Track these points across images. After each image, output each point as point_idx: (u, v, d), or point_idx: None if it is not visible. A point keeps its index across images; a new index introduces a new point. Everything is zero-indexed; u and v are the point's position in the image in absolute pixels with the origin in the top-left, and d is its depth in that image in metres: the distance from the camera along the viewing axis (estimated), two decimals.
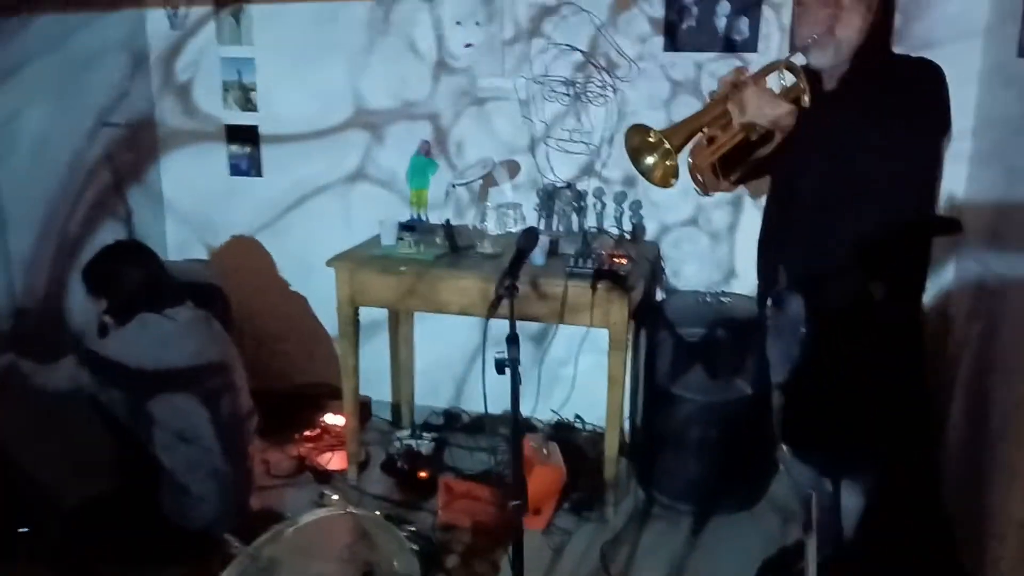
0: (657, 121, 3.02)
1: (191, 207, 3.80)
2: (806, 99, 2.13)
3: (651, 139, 2.10)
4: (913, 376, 2.38)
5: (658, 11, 3.08)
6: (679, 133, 2.09)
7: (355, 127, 3.51)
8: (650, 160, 2.12)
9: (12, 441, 2.70)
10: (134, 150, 3.62)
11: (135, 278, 2.47)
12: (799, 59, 2.19)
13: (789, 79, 2.18)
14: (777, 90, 2.17)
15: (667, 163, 2.11)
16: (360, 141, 3.51)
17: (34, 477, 2.73)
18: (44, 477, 2.74)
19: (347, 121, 3.51)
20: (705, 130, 2.14)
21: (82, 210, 3.37)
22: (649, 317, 3.11)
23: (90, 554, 2.43)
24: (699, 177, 2.23)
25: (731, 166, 2.28)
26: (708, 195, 2.32)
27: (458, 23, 3.28)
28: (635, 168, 2.16)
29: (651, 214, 3.26)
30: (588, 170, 3.29)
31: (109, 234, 3.42)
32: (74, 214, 3.35)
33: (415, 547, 2.17)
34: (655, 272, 3.26)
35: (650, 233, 3.28)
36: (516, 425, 1.68)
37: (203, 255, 3.83)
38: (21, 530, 2.60)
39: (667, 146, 2.07)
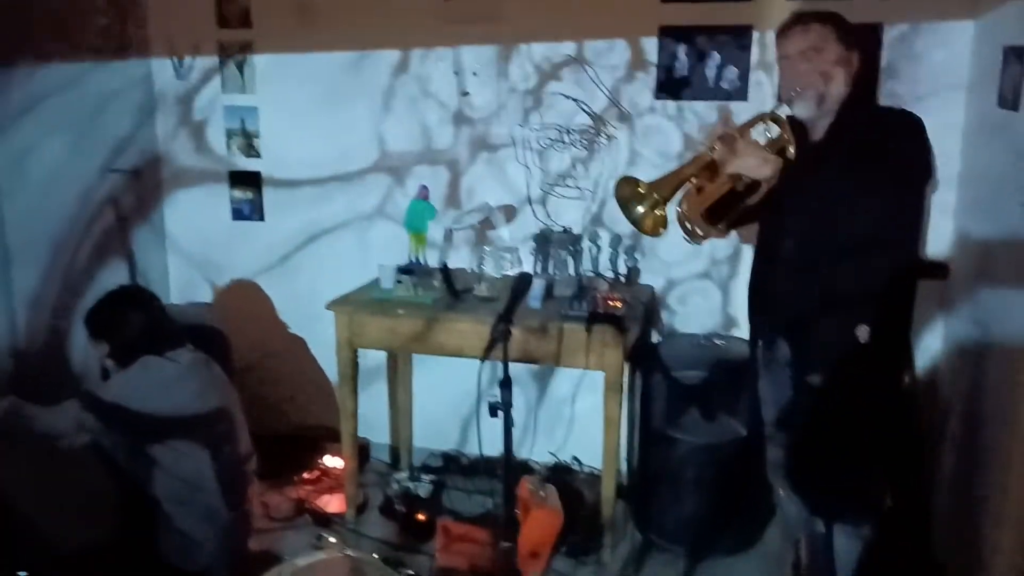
0: (649, 167, 3.12)
1: (194, 250, 3.87)
2: (791, 150, 2.19)
3: (640, 190, 2.16)
4: (902, 419, 2.41)
5: (651, 60, 3.16)
6: (667, 184, 2.15)
7: (357, 173, 3.58)
8: (640, 210, 2.18)
9: (12, 484, 2.71)
10: (138, 194, 3.69)
11: (137, 322, 2.51)
12: (784, 111, 2.26)
13: (775, 131, 2.25)
14: (763, 141, 2.24)
15: (656, 213, 2.16)
16: (361, 187, 3.58)
17: (34, 520, 2.73)
18: (44, 520, 2.75)
19: (348, 167, 3.58)
20: (693, 180, 2.20)
21: (86, 249, 3.43)
22: (645, 359, 3.14)
23: None
24: (688, 225, 2.29)
25: (720, 214, 2.33)
26: (697, 243, 2.37)
27: (456, 72, 3.36)
28: (626, 218, 2.22)
29: (647, 258, 3.31)
30: (583, 215, 3.35)
31: (112, 272, 3.49)
32: (78, 252, 3.40)
33: None
34: (651, 315, 3.30)
35: (645, 276, 3.33)
36: (508, 467, 1.71)
37: (205, 295, 3.88)
38: (19, 573, 2.60)
39: (656, 197, 2.13)
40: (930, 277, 2.80)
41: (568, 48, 3.24)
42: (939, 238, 2.91)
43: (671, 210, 2.22)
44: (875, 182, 2.07)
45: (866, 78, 2.37)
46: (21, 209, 3.11)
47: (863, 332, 2.19)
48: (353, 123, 3.53)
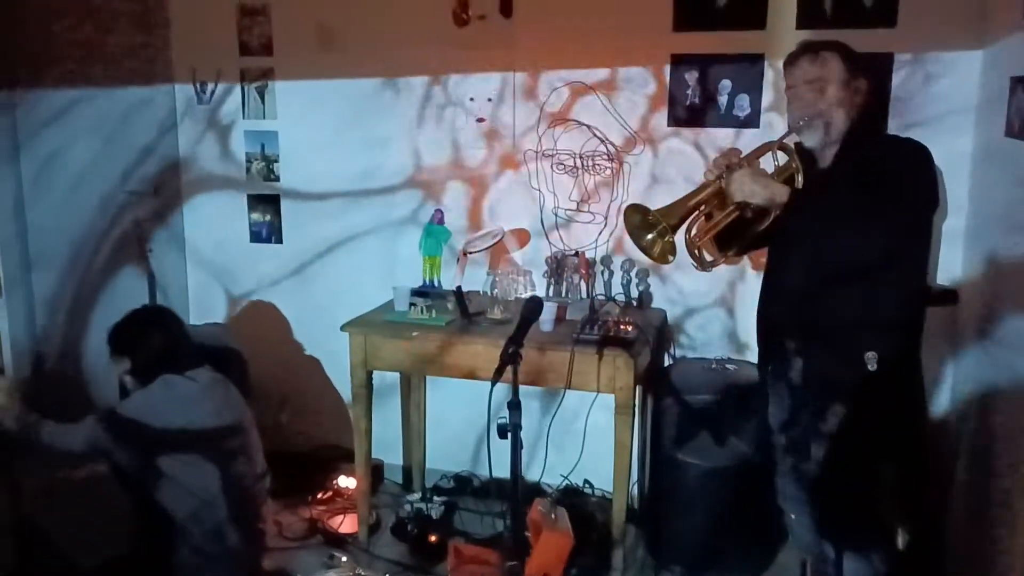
0: (660, 194, 3.15)
1: (212, 273, 3.94)
2: (799, 179, 2.22)
3: (649, 218, 2.19)
4: (913, 447, 2.41)
5: (663, 89, 3.21)
6: (675, 212, 2.17)
7: (375, 196, 3.65)
8: (649, 237, 2.21)
9: (32, 501, 2.76)
10: (158, 211, 3.77)
11: (159, 341, 2.57)
12: (793, 139, 2.30)
13: (783, 159, 2.28)
14: (771, 169, 2.27)
15: (665, 240, 2.19)
16: (378, 210, 3.65)
17: (52, 537, 2.78)
18: (62, 537, 2.80)
19: (366, 191, 3.65)
20: (701, 208, 2.23)
21: (104, 256, 3.51)
22: (656, 383, 3.16)
23: None
24: (696, 252, 2.31)
25: (729, 241, 2.36)
26: (706, 270, 2.39)
27: (471, 99, 3.43)
28: (635, 245, 2.25)
29: (660, 283, 3.35)
30: (596, 239, 3.39)
31: (129, 280, 3.56)
32: (96, 259, 3.48)
33: None
34: (662, 339, 3.33)
35: (658, 301, 3.36)
36: (516, 488, 1.74)
37: (223, 311, 3.96)
38: None
39: (664, 224, 2.16)
40: (939, 304, 2.81)
41: (582, 75, 3.29)
42: (949, 265, 2.93)
43: (680, 237, 2.25)
44: (882, 210, 2.09)
45: (874, 107, 2.40)
46: (48, 209, 3.20)
47: (871, 359, 2.20)
48: (370, 148, 3.60)
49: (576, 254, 3.38)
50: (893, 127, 2.92)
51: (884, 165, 2.17)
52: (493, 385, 1.87)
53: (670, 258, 2.21)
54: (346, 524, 3.34)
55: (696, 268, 2.36)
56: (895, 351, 2.23)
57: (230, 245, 3.89)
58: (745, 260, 3.14)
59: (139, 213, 3.61)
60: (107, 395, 3.31)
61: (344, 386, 3.50)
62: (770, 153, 2.28)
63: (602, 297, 3.31)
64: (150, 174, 3.70)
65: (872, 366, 2.19)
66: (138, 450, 2.45)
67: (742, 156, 2.19)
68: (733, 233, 2.31)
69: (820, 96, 2.23)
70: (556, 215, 3.43)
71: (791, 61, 2.31)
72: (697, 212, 2.23)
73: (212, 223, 3.90)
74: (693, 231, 2.29)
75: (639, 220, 2.21)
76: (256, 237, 3.85)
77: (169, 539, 2.51)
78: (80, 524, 2.87)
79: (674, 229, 2.17)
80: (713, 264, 2.38)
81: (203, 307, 3.98)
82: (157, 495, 2.50)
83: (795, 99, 2.28)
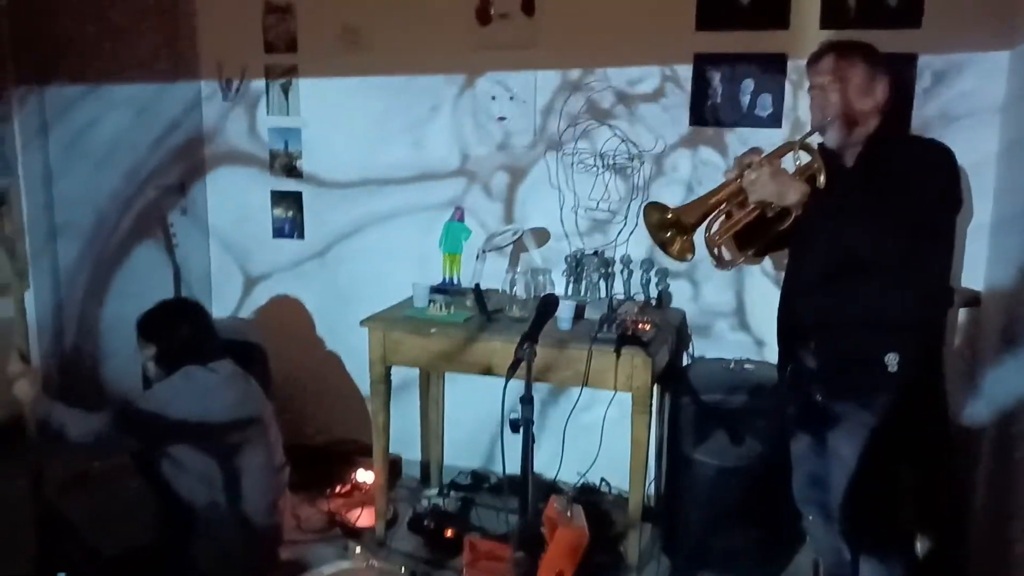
0: (680, 193, 3.15)
1: (235, 265, 3.99)
2: (821, 179, 2.21)
3: (668, 216, 2.18)
4: (935, 451, 2.39)
5: (684, 86, 3.20)
6: (694, 211, 2.17)
7: (396, 192, 3.67)
8: (668, 235, 2.20)
9: (55, 491, 2.81)
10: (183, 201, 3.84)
11: (185, 331, 2.62)
12: (816, 138, 2.28)
13: (804, 158, 2.27)
14: (792, 168, 2.26)
15: (684, 238, 2.18)
16: (399, 206, 3.67)
17: (76, 525, 2.83)
18: (85, 527, 2.84)
19: (387, 188, 3.68)
20: (721, 206, 2.22)
21: (126, 228, 3.58)
22: (674, 382, 3.16)
23: None
24: (716, 251, 2.30)
25: (749, 240, 2.35)
26: (725, 269, 2.38)
27: (493, 97, 3.44)
28: (654, 242, 2.25)
29: (679, 282, 3.34)
30: (615, 238, 3.39)
31: (151, 255, 3.62)
32: (117, 232, 3.54)
33: None
34: (681, 338, 3.32)
35: (677, 300, 3.36)
36: (527, 481, 1.75)
37: (247, 300, 4.01)
38: (59, 575, 2.68)
39: (683, 223, 2.15)
40: (962, 306, 2.78)
41: (604, 74, 3.30)
42: (973, 267, 2.89)
43: (699, 236, 2.24)
44: (904, 211, 2.08)
45: (898, 107, 2.38)
46: (78, 178, 3.28)
47: (892, 360, 2.19)
48: (391, 147, 3.63)
49: (596, 253, 3.38)
50: (916, 127, 2.89)
51: (906, 166, 2.16)
52: (507, 381, 1.88)
53: (689, 256, 2.21)
54: (364, 518, 3.37)
55: (715, 267, 2.35)
56: (916, 353, 2.21)
57: (253, 239, 3.94)
58: (766, 260, 3.13)
59: (165, 206, 3.67)
60: (122, 367, 3.37)
61: (364, 381, 3.52)
62: (792, 153, 2.27)
63: (621, 296, 3.31)
64: (175, 160, 3.75)
65: (893, 367, 2.17)
66: (156, 441, 2.49)
67: (763, 155, 2.19)
68: (754, 232, 2.31)
69: (843, 96, 2.22)
70: (576, 214, 3.43)
71: (814, 61, 2.30)
72: (717, 211, 2.23)
73: (236, 215, 3.96)
74: (713, 229, 2.28)
75: (658, 218, 2.21)
76: (279, 232, 3.89)
77: (189, 530, 2.55)
78: (102, 514, 2.92)
79: (693, 227, 2.17)
80: (732, 263, 2.37)
81: (225, 299, 4.02)
82: (176, 486, 2.54)
83: (818, 99, 2.28)
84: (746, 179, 2.15)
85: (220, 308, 4.01)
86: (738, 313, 3.30)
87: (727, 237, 2.27)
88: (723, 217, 2.27)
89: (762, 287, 3.24)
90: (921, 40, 2.88)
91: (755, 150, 2.24)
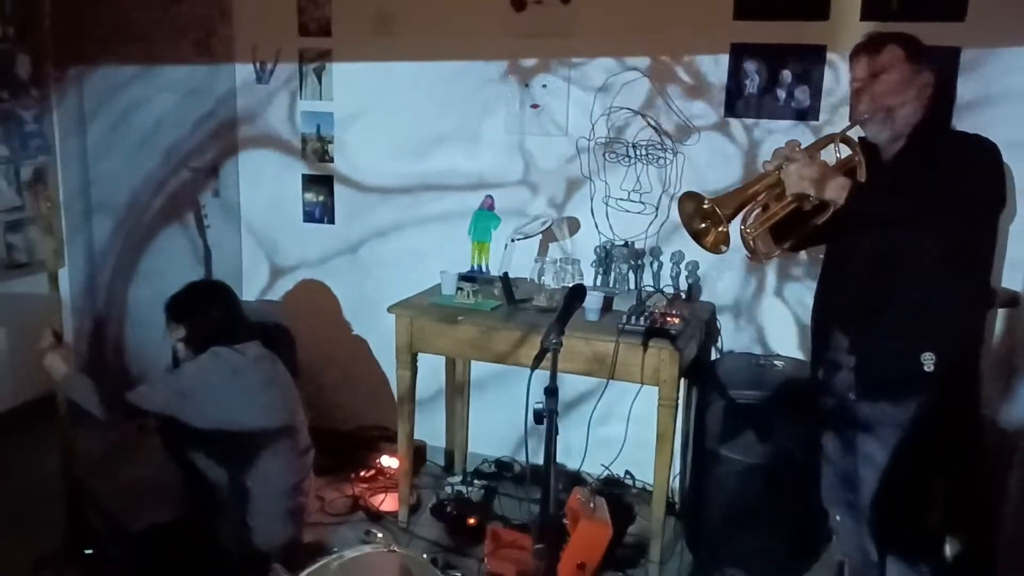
0: (714, 185, 3.11)
1: (264, 249, 4.01)
2: (861, 172, 2.16)
3: (704, 206, 2.15)
4: (967, 453, 2.34)
5: (721, 77, 3.16)
6: (731, 202, 2.13)
7: (427, 181, 3.67)
8: (702, 225, 2.17)
9: (84, 466, 2.85)
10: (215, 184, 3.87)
11: (215, 313, 2.65)
12: (857, 132, 2.23)
13: (845, 151, 2.22)
14: (832, 161, 2.21)
15: (719, 229, 2.15)
16: (430, 193, 3.67)
17: (102, 502, 2.87)
18: (113, 502, 2.89)
19: (419, 175, 3.67)
20: (759, 198, 2.19)
21: (159, 209, 3.61)
22: (701, 377, 3.13)
23: None
24: (751, 244, 2.27)
25: (786, 233, 2.31)
26: (760, 262, 2.35)
27: (526, 85, 3.42)
28: (688, 233, 2.22)
29: (709, 275, 3.30)
30: (646, 230, 3.36)
31: (182, 236, 3.63)
32: (150, 213, 3.58)
33: None
34: (710, 332, 3.29)
35: (707, 293, 3.32)
36: (548, 473, 1.74)
37: (276, 283, 4.03)
38: (87, 552, 2.73)
39: (719, 213, 2.12)
40: (1001, 306, 2.72)
41: (639, 63, 3.26)
42: (1015, 265, 2.82)
43: (734, 227, 2.21)
44: (946, 209, 2.03)
45: (941, 101, 2.32)
46: (119, 157, 3.31)
47: (928, 360, 2.14)
48: (423, 132, 3.62)
49: (625, 244, 3.35)
50: (958, 122, 2.82)
51: (950, 162, 2.10)
52: (532, 371, 1.87)
53: (723, 248, 2.17)
54: (387, 503, 3.38)
55: (750, 259, 2.32)
56: (953, 353, 2.16)
57: (283, 223, 3.95)
58: (801, 254, 3.08)
59: (198, 189, 3.70)
60: (152, 345, 3.41)
61: (390, 367, 3.53)
62: (832, 145, 2.22)
63: (650, 288, 3.28)
64: (208, 142, 3.78)
65: (929, 367, 2.13)
66: (183, 421, 2.51)
67: (803, 148, 2.14)
68: (791, 226, 2.26)
69: (886, 90, 2.16)
70: (607, 204, 3.40)
71: (856, 53, 2.24)
72: (754, 203, 2.19)
73: (267, 199, 3.97)
74: (749, 221, 2.24)
75: (693, 208, 2.17)
76: (309, 217, 3.90)
77: (213, 508, 2.57)
78: (129, 491, 2.96)
79: (728, 218, 2.13)
80: (768, 256, 2.34)
81: (254, 281, 4.05)
82: (201, 465, 2.56)
83: (860, 92, 2.22)
84: (785, 171, 2.11)
85: (249, 291, 4.04)
86: (769, 308, 3.26)
87: (763, 230, 2.23)
88: (759, 209, 2.23)
89: (795, 283, 3.19)
90: (965, 33, 2.81)
91: (794, 142, 2.20)
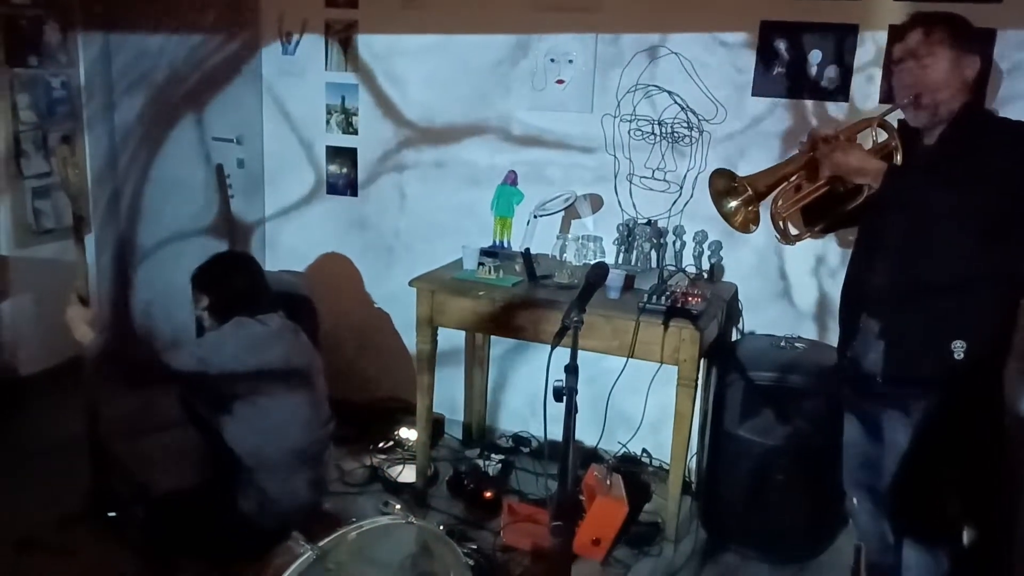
0: (740, 164, 3.08)
1: (287, 224, 4.04)
2: (898, 157, 2.13)
3: (735, 184, 2.13)
4: (989, 442, 2.33)
5: (749, 56, 3.12)
6: (763, 180, 2.11)
7: (451, 152, 3.66)
8: (732, 204, 2.15)
9: (109, 430, 2.90)
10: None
11: (239, 283, 2.67)
12: (896, 115, 2.19)
13: (882, 136, 2.19)
14: (869, 144, 2.18)
15: (749, 208, 2.13)
16: (454, 167, 3.66)
17: (127, 465, 2.92)
18: (137, 466, 2.94)
19: (442, 148, 3.67)
20: (791, 179, 2.16)
21: (185, 179, 3.63)
22: (721, 357, 3.12)
23: (171, 542, 2.59)
24: (781, 224, 2.24)
25: (817, 216, 2.29)
26: (789, 243, 2.31)
27: (552, 60, 3.39)
28: (717, 211, 2.20)
29: (732, 255, 3.28)
30: (670, 208, 3.34)
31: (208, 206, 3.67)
32: (175, 182, 3.61)
33: (471, 563, 2.23)
34: (731, 313, 3.27)
35: (729, 274, 3.30)
36: (567, 451, 1.74)
37: (298, 255, 4.07)
38: (110, 514, 2.78)
39: (750, 192, 2.10)
40: None
41: (666, 40, 3.22)
42: None
43: (765, 207, 2.18)
44: (985, 197, 2.00)
45: (980, 86, 2.27)
46: (133, 136, 3.40)
47: (959, 348, 2.12)
48: (450, 105, 3.61)
49: (648, 223, 3.33)
50: (994, 106, 2.77)
51: (991, 148, 2.06)
52: (553, 348, 1.86)
53: (752, 228, 2.16)
54: (405, 474, 3.41)
55: (779, 240, 2.29)
56: (984, 342, 2.14)
57: (307, 194, 3.97)
58: (830, 236, 3.05)
59: (223, 159, 3.71)
60: (177, 312, 3.46)
61: (411, 340, 3.55)
62: (870, 129, 2.19)
63: (672, 267, 3.27)
64: (234, 112, 3.79)
65: (959, 355, 2.11)
66: (206, 388, 2.54)
67: (840, 130, 2.11)
68: (823, 208, 2.24)
69: (928, 72, 2.10)
70: (631, 182, 3.38)
71: (900, 33, 2.19)
72: (786, 183, 2.16)
73: (290, 170, 3.99)
74: (779, 202, 2.21)
75: (724, 185, 2.15)
76: (332, 188, 3.91)
77: (234, 475, 2.60)
78: (152, 456, 3.01)
79: (760, 197, 2.11)
80: (798, 238, 2.31)
81: (277, 252, 4.08)
82: (222, 431, 2.59)
83: (902, 73, 2.16)
84: (820, 152, 2.08)
85: (272, 261, 4.06)
86: (793, 290, 3.24)
87: (795, 211, 2.20)
88: (791, 190, 2.20)
89: (821, 264, 3.17)
90: (1003, 15, 2.75)
91: (832, 124, 2.16)
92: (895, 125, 2.21)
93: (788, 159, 2.18)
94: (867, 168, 2.06)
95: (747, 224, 2.16)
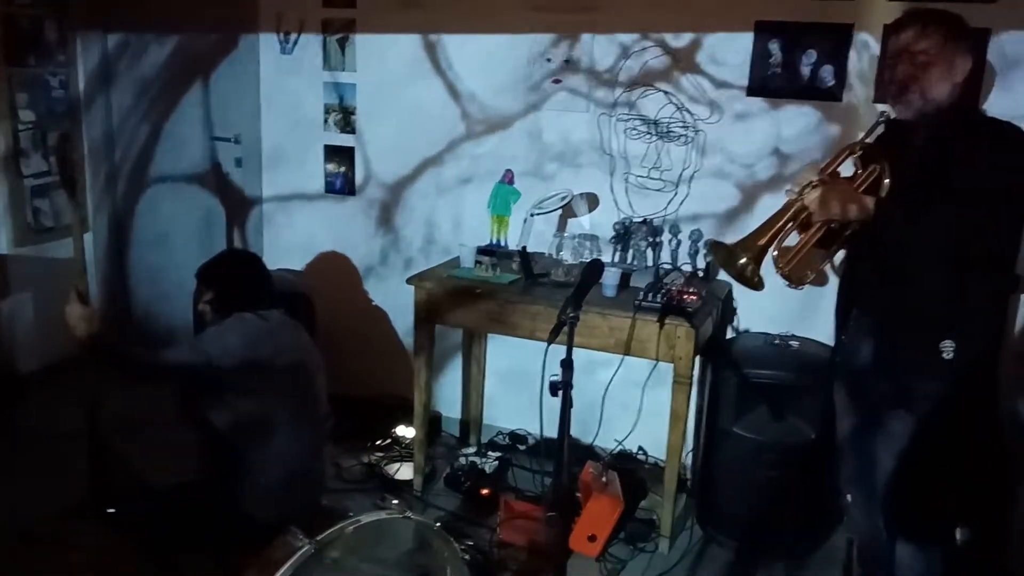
0: (735, 164, 3.09)
1: (286, 222, 4.05)
2: (886, 182, 2.13)
3: (734, 252, 2.12)
4: (983, 440, 2.34)
5: (744, 56, 3.14)
6: (756, 240, 2.09)
7: (448, 152, 3.68)
8: (743, 264, 2.13)
9: (109, 425, 2.91)
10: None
11: (242, 279, 2.70)
12: (886, 110, 2.21)
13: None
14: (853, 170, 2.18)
15: (754, 267, 2.12)
16: (449, 165, 3.68)
17: (126, 460, 2.94)
18: (137, 461, 2.95)
19: (438, 147, 3.68)
20: (787, 228, 2.15)
21: (183, 177, 3.66)
22: (716, 355, 3.14)
23: (170, 536, 2.61)
24: (788, 279, 2.22)
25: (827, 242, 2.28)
26: (799, 288, 2.29)
27: (548, 59, 3.41)
28: (728, 275, 2.20)
29: None
30: (665, 207, 3.36)
31: (206, 205, 3.69)
32: (174, 181, 3.62)
33: (468, 559, 2.25)
34: (726, 311, 3.29)
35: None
36: (562, 444, 1.76)
37: (297, 254, 4.09)
38: (109, 510, 2.79)
39: (749, 256, 2.09)
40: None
41: (661, 40, 3.24)
42: None
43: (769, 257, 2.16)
44: (975, 201, 2.01)
45: (972, 86, 2.28)
46: (131, 135, 3.40)
47: (948, 348, 2.14)
48: (445, 104, 3.62)
49: (644, 221, 3.35)
50: (984, 106, 2.79)
51: (979, 148, 2.07)
52: (548, 345, 1.89)
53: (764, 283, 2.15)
54: (402, 472, 3.42)
55: (789, 287, 2.24)
56: (974, 341, 2.15)
57: (305, 193, 3.98)
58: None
59: (221, 157, 3.73)
60: (175, 308, 3.47)
61: (408, 337, 3.57)
62: (851, 155, 2.19)
63: (668, 265, 3.29)
64: (232, 110, 3.80)
65: (948, 355, 2.12)
66: (204, 382, 2.56)
67: (821, 168, 2.12)
68: (823, 241, 2.24)
69: (922, 71, 2.11)
70: (627, 181, 3.40)
71: (895, 30, 2.19)
72: (782, 233, 2.15)
73: (288, 168, 4.00)
74: (781, 264, 2.16)
75: (725, 255, 2.16)
76: (330, 187, 3.93)
77: (233, 470, 2.62)
78: (151, 450, 3.02)
79: (760, 256, 2.10)
80: (804, 281, 2.23)
81: (275, 249, 4.10)
82: (221, 427, 2.60)
83: (892, 70, 2.17)
84: (808, 199, 2.09)
85: (270, 259, 4.07)
86: (787, 288, 3.25)
87: (795, 263, 2.19)
88: (790, 250, 2.17)
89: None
90: (997, 15, 2.77)
91: (813, 165, 2.17)
92: (881, 129, 2.22)
93: (781, 210, 2.15)
94: (854, 207, 2.07)
95: (761, 283, 2.15)
